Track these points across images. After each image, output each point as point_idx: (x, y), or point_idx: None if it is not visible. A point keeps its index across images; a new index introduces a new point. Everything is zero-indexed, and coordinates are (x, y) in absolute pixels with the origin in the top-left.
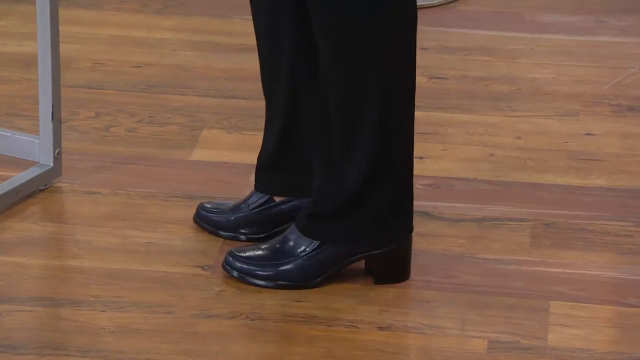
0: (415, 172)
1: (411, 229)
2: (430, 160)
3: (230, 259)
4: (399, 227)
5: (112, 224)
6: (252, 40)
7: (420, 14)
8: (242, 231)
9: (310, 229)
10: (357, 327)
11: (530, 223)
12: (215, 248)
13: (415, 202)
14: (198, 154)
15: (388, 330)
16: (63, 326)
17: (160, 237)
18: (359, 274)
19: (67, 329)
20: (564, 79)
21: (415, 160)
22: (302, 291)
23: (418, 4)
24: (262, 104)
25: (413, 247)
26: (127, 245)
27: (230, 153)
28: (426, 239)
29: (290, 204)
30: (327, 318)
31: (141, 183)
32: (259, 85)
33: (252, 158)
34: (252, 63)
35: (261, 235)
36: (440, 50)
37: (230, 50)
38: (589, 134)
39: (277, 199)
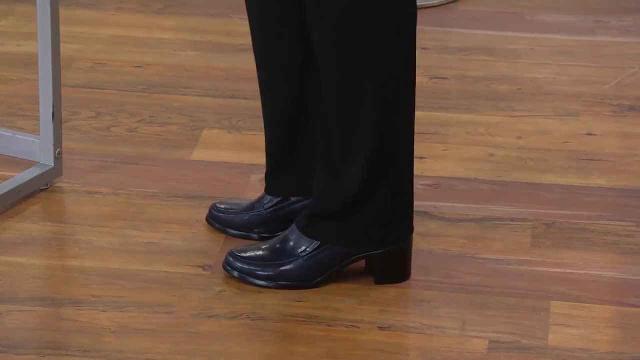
0: (415, 172)
1: (411, 229)
2: (431, 160)
3: (231, 259)
4: (399, 227)
5: (112, 223)
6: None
7: (420, 14)
8: (256, 230)
9: (310, 229)
10: (358, 327)
11: (530, 223)
12: (216, 248)
13: (415, 202)
14: (198, 154)
15: (388, 330)
16: (64, 326)
17: (161, 237)
18: (359, 274)
19: (68, 329)
20: (565, 79)
21: (415, 160)
22: (302, 291)
23: (418, 4)
24: None
25: (413, 247)
26: (128, 245)
27: (230, 153)
28: (426, 239)
29: (306, 202)
30: (328, 318)
31: (142, 183)
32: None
33: (252, 158)
34: (252, 63)
35: (275, 235)
36: (441, 50)
37: (230, 50)
38: (589, 134)
39: (292, 198)
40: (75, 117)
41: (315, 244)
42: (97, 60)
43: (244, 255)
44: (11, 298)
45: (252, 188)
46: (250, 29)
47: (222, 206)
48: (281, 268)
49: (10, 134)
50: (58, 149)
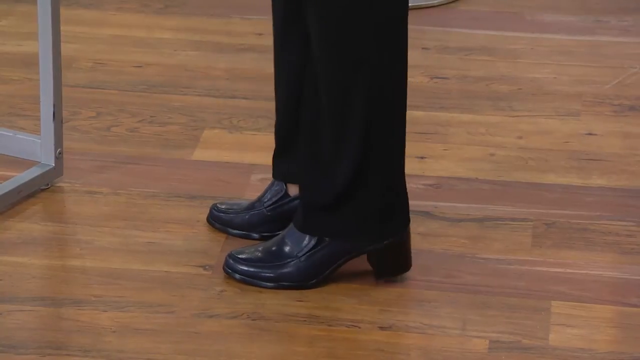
0: (416, 172)
1: (408, 220)
2: (431, 160)
3: (231, 261)
4: (395, 219)
5: (113, 223)
6: (252, 40)
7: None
8: (257, 229)
9: (306, 225)
10: (358, 327)
11: (531, 223)
12: (217, 248)
13: (416, 202)
14: (199, 154)
15: (389, 330)
16: (64, 326)
17: (162, 236)
18: (360, 274)
19: (69, 329)
20: (565, 79)
21: (416, 160)
22: (303, 291)
23: (419, 3)
24: (262, 103)
25: (414, 247)
26: (129, 245)
27: (231, 153)
28: (427, 239)
29: None
30: (328, 318)
31: (142, 183)
32: (259, 85)
33: (253, 158)
34: (252, 63)
35: (276, 233)
36: (441, 50)
37: (230, 50)
38: (590, 134)
39: (292, 195)
40: (76, 117)
41: (312, 242)
42: (98, 60)
43: (243, 257)
44: (12, 298)
45: (252, 188)
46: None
47: (223, 206)
48: (281, 270)
49: (11, 134)
50: (59, 149)
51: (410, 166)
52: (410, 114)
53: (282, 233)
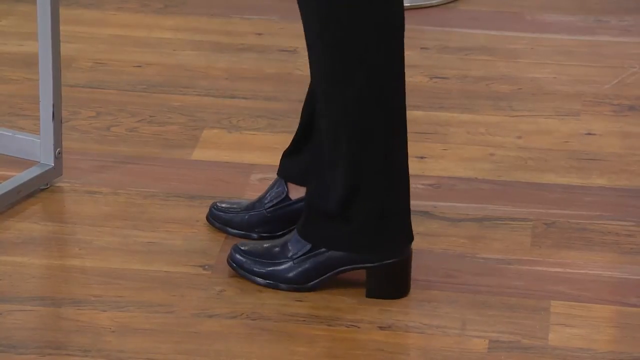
0: (415, 171)
1: (411, 238)
2: (431, 160)
3: (232, 252)
4: (395, 233)
5: (112, 223)
6: (252, 40)
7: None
8: (256, 230)
9: (304, 231)
10: (358, 327)
11: (531, 223)
12: (216, 248)
13: (415, 202)
14: (199, 154)
15: (389, 329)
16: (64, 326)
17: (161, 236)
18: (360, 274)
19: (68, 329)
20: (565, 79)
21: (416, 159)
22: (303, 291)
23: (418, 3)
24: (262, 103)
25: (414, 247)
26: (128, 245)
27: (231, 153)
28: (427, 239)
29: None
30: (328, 318)
31: (142, 183)
32: (259, 85)
33: (252, 158)
34: (252, 63)
35: (276, 234)
36: (441, 50)
37: (230, 50)
38: (589, 134)
39: (293, 198)
40: (75, 116)
41: (307, 247)
42: (98, 60)
43: (244, 249)
44: (11, 298)
45: (252, 188)
46: None
47: (223, 205)
48: (272, 268)
49: (10, 134)
50: (58, 149)
51: (410, 166)
52: (410, 113)
53: (288, 235)
